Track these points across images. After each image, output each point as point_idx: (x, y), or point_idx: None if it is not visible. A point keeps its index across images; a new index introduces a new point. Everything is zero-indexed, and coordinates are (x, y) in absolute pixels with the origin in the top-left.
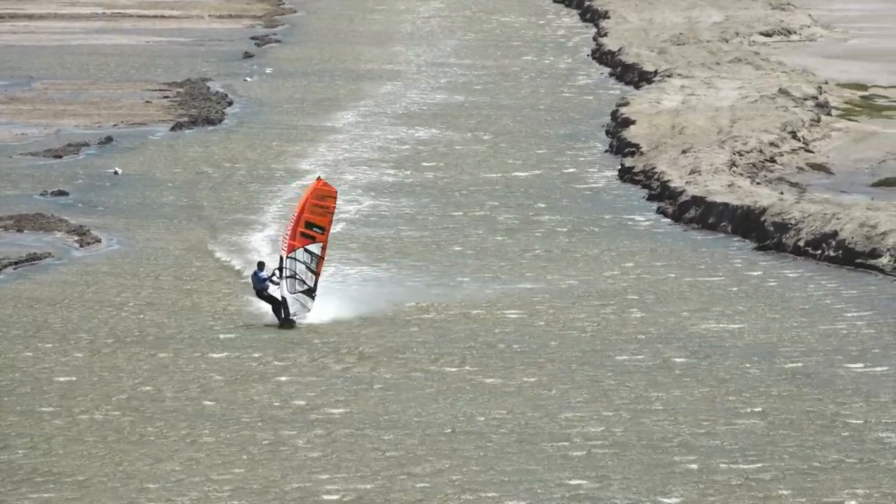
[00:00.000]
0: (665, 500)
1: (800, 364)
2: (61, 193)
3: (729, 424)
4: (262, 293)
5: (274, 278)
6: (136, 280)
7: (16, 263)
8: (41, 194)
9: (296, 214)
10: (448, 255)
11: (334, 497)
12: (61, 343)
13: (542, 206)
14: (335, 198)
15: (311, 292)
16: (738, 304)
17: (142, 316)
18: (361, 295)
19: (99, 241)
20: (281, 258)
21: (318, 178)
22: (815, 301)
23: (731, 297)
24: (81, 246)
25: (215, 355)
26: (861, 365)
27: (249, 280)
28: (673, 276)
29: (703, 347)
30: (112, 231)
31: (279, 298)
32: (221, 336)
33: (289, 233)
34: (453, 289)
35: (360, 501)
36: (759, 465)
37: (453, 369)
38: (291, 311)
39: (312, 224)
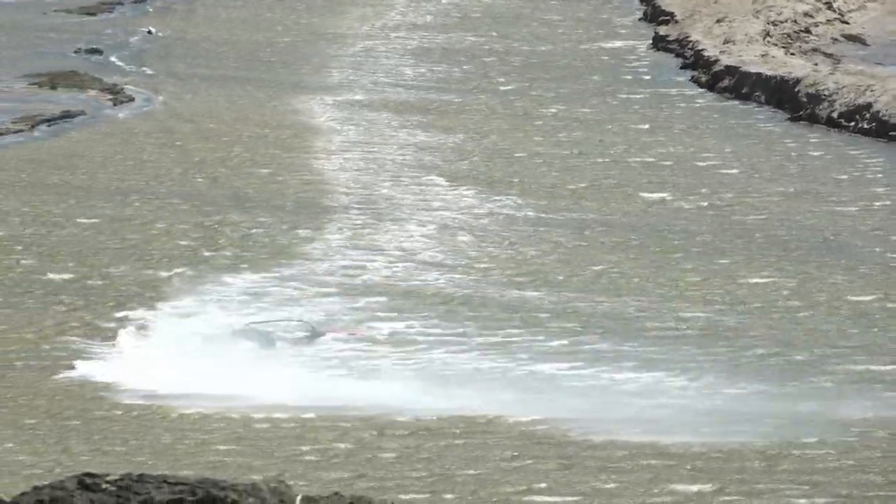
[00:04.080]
0: None
1: (830, 236)
2: (95, 51)
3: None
4: None
5: None
6: (168, 138)
7: (49, 121)
8: (75, 52)
9: None
10: (475, 120)
11: None
12: (87, 199)
13: (577, 75)
14: None
15: None
16: (771, 175)
17: (170, 175)
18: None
19: (132, 99)
20: None
21: None
22: (849, 172)
23: (765, 168)
24: (115, 105)
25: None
26: (882, 232)
27: None
28: (709, 146)
29: (737, 218)
30: (145, 90)
31: None
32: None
33: None
34: (492, 151)
35: None
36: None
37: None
38: None
39: None
